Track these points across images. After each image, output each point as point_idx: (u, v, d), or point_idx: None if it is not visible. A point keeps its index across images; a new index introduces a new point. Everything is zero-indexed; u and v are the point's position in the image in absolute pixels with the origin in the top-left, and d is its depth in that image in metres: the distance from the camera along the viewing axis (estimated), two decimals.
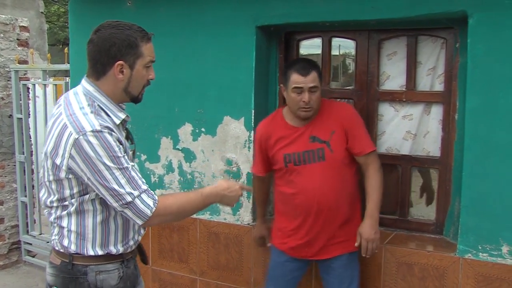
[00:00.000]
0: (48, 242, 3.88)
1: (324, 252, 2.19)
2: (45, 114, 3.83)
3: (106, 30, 1.44)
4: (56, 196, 1.45)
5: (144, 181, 1.46)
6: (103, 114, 1.47)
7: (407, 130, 2.48)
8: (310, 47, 2.67)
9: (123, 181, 1.38)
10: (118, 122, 1.51)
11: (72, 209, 1.45)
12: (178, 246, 2.86)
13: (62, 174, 1.41)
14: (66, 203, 1.45)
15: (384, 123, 2.53)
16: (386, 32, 2.45)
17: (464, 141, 2.12)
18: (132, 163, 1.45)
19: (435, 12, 2.12)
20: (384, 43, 2.49)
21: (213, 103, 2.42)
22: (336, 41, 2.62)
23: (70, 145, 1.36)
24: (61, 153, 1.38)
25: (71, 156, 1.37)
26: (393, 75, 2.49)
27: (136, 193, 1.40)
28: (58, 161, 1.40)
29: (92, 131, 1.37)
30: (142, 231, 1.64)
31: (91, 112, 1.42)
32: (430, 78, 2.42)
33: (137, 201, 1.41)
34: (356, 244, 2.13)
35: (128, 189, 1.39)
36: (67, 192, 1.43)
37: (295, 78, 2.07)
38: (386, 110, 2.52)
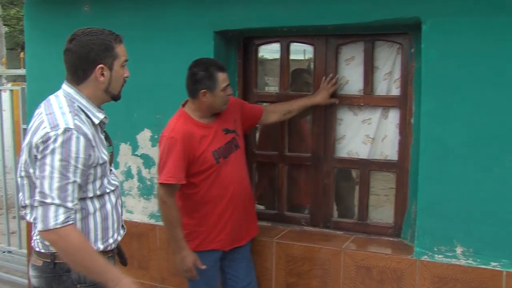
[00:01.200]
0: (4, 252, 3.80)
1: (245, 237, 2.32)
2: (1, 120, 3.73)
3: (82, 38, 1.51)
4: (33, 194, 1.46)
5: (74, 203, 1.44)
6: (82, 115, 1.53)
7: (366, 134, 2.50)
8: (271, 51, 2.68)
9: (56, 185, 1.39)
10: (97, 121, 1.57)
11: None
12: (138, 253, 2.82)
13: (32, 168, 1.45)
14: None
15: (344, 127, 2.54)
16: (343, 37, 2.46)
17: (419, 145, 2.14)
18: (76, 179, 1.44)
19: (390, 18, 2.15)
20: (342, 48, 2.50)
21: (172, 109, 2.33)
22: (298, 46, 2.64)
23: (40, 137, 1.41)
24: (34, 145, 1.43)
25: (36, 146, 1.42)
26: (351, 80, 2.50)
27: (57, 202, 1.39)
28: (30, 154, 1.46)
29: (65, 128, 1.42)
30: (121, 231, 1.67)
31: (70, 112, 1.48)
32: (387, 83, 2.44)
33: (52, 208, 1.39)
34: None
35: (54, 194, 1.39)
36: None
37: (223, 77, 2.12)
38: (346, 114, 2.53)
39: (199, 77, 2.11)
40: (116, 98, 1.63)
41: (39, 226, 1.40)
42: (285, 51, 2.61)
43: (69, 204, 1.41)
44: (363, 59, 2.45)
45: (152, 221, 2.76)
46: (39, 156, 1.41)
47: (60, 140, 1.41)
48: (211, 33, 2.50)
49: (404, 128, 2.36)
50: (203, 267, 2.17)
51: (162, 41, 2.59)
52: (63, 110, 1.47)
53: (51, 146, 1.40)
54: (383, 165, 2.48)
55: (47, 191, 1.38)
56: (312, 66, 2.52)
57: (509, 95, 1.98)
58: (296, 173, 2.72)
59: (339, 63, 2.51)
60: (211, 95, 2.13)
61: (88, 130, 1.50)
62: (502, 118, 2.00)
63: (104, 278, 1.44)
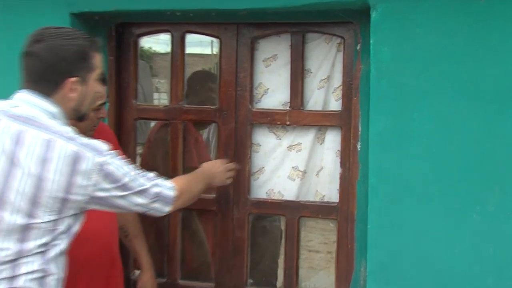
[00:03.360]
0: None
1: None
2: None
3: (52, 41, 1.50)
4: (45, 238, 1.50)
5: (152, 175, 1.69)
6: None
7: (294, 165, 2.34)
8: (164, 42, 2.61)
9: (135, 177, 1.61)
10: None
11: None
12: None
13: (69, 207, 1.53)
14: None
15: (262, 156, 2.37)
16: (261, 27, 2.30)
17: (368, 181, 2.00)
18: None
19: (328, 1, 2.02)
20: (259, 43, 2.35)
21: None
22: (195, 38, 2.52)
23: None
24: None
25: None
26: (272, 88, 2.35)
27: (148, 184, 1.64)
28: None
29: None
30: None
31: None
32: (323, 93, 2.30)
33: (154, 189, 1.64)
34: None
35: (141, 182, 1.61)
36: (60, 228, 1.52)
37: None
38: (264, 138, 2.38)
39: None
40: (82, 118, 1.65)
41: (165, 210, 1.66)
42: (179, 46, 2.37)
43: (153, 181, 1.62)
44: (290, 59, 2.28)
45: None
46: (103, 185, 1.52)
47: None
48: (67, 15, 2.27)
49: (348, 156, 2.21)
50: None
51: (18, 25, 2.34)
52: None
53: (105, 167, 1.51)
54: (319, 210, 2.29)
55: (137, 187, 1.56)
56: (217, 67, 2.37)
57: (491, 110, 1.90)
58: (195, 223, 2.60)
59: (255, 63, 2.34)
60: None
61: None
62: (482, 142, 1.92)
63: (209, 186, 1.96)
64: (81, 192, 1.48)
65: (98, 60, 1.61)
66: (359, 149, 2.13)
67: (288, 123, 2.27)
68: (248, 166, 2.33)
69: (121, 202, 1.56)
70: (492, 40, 1.87)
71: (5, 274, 1.45)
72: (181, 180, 1.79)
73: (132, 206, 1.59)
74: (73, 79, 1.51)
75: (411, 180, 1.94)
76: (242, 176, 2.32)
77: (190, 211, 2.49)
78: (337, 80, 2.25)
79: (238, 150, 2.33)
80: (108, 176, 1.50)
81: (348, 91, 2.18)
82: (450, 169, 1.92)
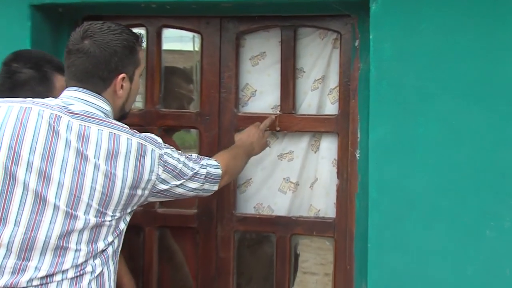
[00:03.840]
0: None
1: None
2: None
3: (102, 37, 1.59)
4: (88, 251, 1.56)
5: (200, 157, 1.86)
6: None
7: (285, 176, 2.34)
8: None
9: (186, 160, 1.78)
10: None
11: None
12: None
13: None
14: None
15: (249, 166, 2.29)
16: (248, 21, 2.30)
17: (369, 194, 1.99)
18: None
19: None
20: (245, 39, 2.36)
21: None
22: (174, 33, 2.55)
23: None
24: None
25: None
26: (260, 90, 2.36)
27: (197, 168, 1.80)
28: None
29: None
30: None
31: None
32: (318, 95, 2.30)
33: (202, 171, 1.83)
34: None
35: (191, 166, 1.77)
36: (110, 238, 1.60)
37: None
38: None
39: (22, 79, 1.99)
40: (125, 117, 1.75)
41: (214, 189, 1.82)
42: (154, 42, 2.39)
43: (200, 162, 1.77)
44: (280, 57, 2.29)
45: None
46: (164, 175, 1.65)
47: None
48: (26, 7, 2.25)
49: (345, 166, 2.22)
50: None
51: None
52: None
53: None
54: (313, 227, 2.28)
55: (190, 172, 1.71)
56: (198, 65, 2.40)
57: (506, 114, 1.90)
58: (174, 242, 2.55)
59: (241, 62, 2.35)
60: None
61: None
62: (495, 150, 1.92)
63: (252, 154, 2.08)
64: (146, 186, 1.61)
65: (142, 56, 1.72)
66: (358, 158, 2.12)
67: (278, 129, 2.25)
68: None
69: (178, 190, 1.71)
70: (505, 35, 1.88)
71: (71, 274, 1.54)
72: (224, 156, 1.91)
73: (187, 192, 1.74)
74: (122, 75, 1.62)
75: (416, 193, 1.94)
76: (227, 189, 2.29)
77: (168, 229, 2.49)
78: (333, 80, 2.25)
79: None
80: (167, 167, 1.63)
81: (346, 93, 2.18)
82: (460, 180, 1.92)
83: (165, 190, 1.68)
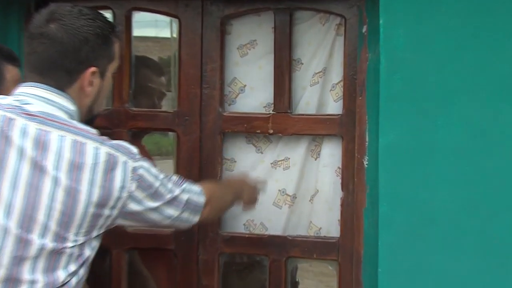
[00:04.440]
0: None
1: None
2: None
3: (70, 21, 1.57)
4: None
5: (181, 180, 1.83)
6: None
7: (280, 188, 2.35)
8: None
9: (165, 180, 1.78)
10: None
11: None
12: None
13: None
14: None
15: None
16: (235, 3, 2.30)
17: (379, 208, 1.98)
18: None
19: None
20: (232, 25, 2.35)
21: None
22: (148, 17, 2.59)
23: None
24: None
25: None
26: (251, 85, 2.36)
27: (177, 191, 1.79)
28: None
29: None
30: None
31: None
32: (318, 91, 2.30)
33: (182, 197, 1.82)
34: None
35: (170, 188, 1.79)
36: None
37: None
38: (241, 151, 2.39)
39: None
40: (93, 120, 1.73)
41: (194, 220, 1.82)
42: (123, 28, 2.36)
43: (181, 186, 1.75)
44: (273, 46, 2.27)
45: None
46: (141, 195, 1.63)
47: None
48: None
49: (351, 176, 2.21)
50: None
51: None
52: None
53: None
54: (314, 248, 2.27)
55: (168, 194, 1.69)
56: (176, 56, 2.39)
57: None
58: (146, 267, 2.56)
59: (227, 52, 2.34)
60: None
61: None
62: None
63: (239, 198, 2.05)
64: (116, 205, 1.58)
65: (118, 50, 1.71)
66: (366, 166, 2.11)
67: (271, 131, 2.25)
68: None
69: (153, 216, 1.68)
70: None
71: None
72: (209, 185, 1.92)
73: (163, 220, 1.71)
74: (93, 69, 1.59)
75: (435, 208, 1.93)
76: None
77: (140, 252, 2.49)
78: (336, 74, 2.25)
79: (205, 168, 2.29)
80: (142, 183, 1.61)
81: (351, 89, 2.17)
82: (488, 193, 1.91)
83: (137, 212, 1.65)
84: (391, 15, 1.93)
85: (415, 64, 1.94)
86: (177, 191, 1.72)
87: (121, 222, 1.66)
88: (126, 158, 1.57)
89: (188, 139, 2.29)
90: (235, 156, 2.36)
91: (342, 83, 2.23)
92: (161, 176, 1.69)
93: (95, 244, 1.62)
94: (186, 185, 1.78)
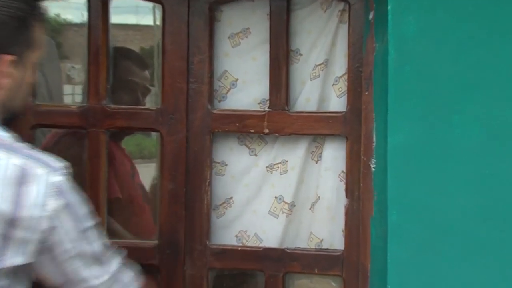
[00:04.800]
0: None
1: None
2: None
3: None
4: None
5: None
6: None
7: (277, 195, 2.33)
8: (74, 8, 2.72)
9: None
10: None
11: None
12: None
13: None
14: None
15: (229, 181, 2.38)
16: None
17: (387, 218, 1.98)
18: None
19: None
20: (222, 11, 2.35)
21: None
22: (128, 2, 2.60)
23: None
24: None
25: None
26: (243, 79, 2.35)
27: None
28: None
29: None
30: None
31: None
32: (319, 85, 2.30)
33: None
34: None
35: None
36: None
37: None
38: (232, 153, 2.39)
39: None
40: (11, 120, 1.70)
41: None
42: (99, 14, 2.36)
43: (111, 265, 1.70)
44: (269, 35, 2.27)
45: None
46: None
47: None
48: None
49: (357, 181, 2.21)
50: None
51: None
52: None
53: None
54: (315, 262, 2.26)
55: (97, 245, 1.64)
56: (160, 46, 2.42)
57: None
58: None
59: (217, 42, 2.34)
60: None
61: None
62: None
63: None
64: (35, 227, 1.49)
65: (42, 36, 1.68)
66: (373, 170, 2.09)
67: (267, 131, 2.24)
68: (207, 196, 2.28)
69: (70, 268, 1.57)
70: None
71: None
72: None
73: (91, 280, 1.61)
74: (8, 57, 1.55)
75: (450, 217, 1.92)
76: (198, 212, 2.29)
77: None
78: (340, 66, 2.24)
79: (192, 173, 2.28)
80: (68, 207, 1.53)
81: (356, 83, 2.16)
82: (509, 201, 1.90)
83: (64, 252, 1.56)
84: (398, 1, 1.92)
85: (427, 55, 1.93)
86: (106, 252, 1.67)
87: (41, 264, 1.56)
88: (44, 171, 1.51)
89: (173, 139, 2.27)
90: (226, 159, 2.34)
91: (346, 77, 2.22)
92: (90, 222, 1.62)
93: None
94: (118, 256, 1.72)
